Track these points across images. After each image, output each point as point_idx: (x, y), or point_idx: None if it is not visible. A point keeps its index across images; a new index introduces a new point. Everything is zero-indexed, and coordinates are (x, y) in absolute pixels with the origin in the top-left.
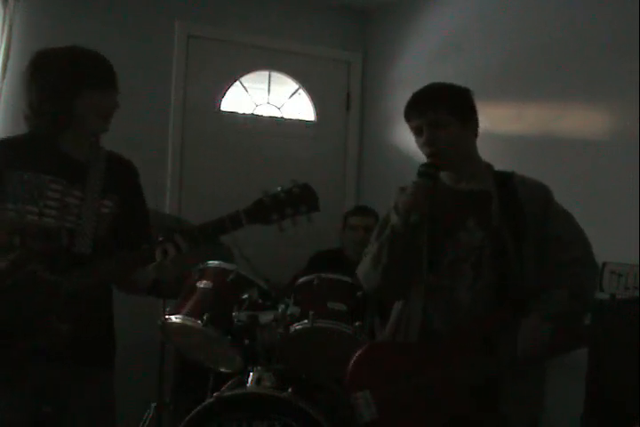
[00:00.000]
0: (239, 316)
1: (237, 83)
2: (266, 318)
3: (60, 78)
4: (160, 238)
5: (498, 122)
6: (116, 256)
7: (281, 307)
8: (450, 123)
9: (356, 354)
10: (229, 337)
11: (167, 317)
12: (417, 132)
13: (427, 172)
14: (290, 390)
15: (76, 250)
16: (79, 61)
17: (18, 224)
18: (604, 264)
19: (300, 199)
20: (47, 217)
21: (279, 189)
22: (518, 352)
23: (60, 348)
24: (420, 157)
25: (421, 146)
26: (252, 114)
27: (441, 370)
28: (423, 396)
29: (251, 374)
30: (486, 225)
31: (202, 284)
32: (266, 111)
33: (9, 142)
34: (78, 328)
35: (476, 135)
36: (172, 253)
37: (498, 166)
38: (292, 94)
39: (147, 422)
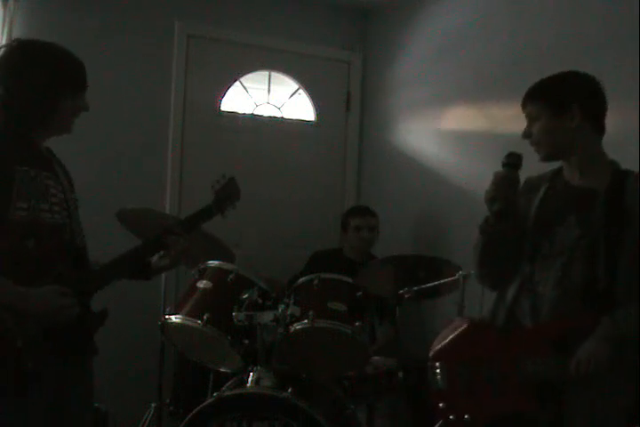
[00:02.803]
0: (239, 316)
1: (237, 83)
2: (266, 318)
3: (50, 78)
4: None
5: (498, 122)
6: (134, 249)
7: (281, 307)
8: (541, 116)
9: (452, 327)
10: (229, 337)
11: (167, 317)
12: (527, 120)
13: (508, 162)
14: (290, 390)
15: (78, 244)
16: (53, 63)
17: (32, 224)
18: None
19: (234, 191)
20: (56, 214)
21: (222, 182)
22: (571, 368)
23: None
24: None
25: (524, 135)
26: (252, 114)
27: (512, 360)
28: (488, 382)
29: (251, 374)
30: (586, 224)
31: (202, 284)
32: (266, 111)
33: None
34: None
35: (597, 131)
36: (183, 242)
37: (498, 166)
38: (292, 94)
39: (147, 422)
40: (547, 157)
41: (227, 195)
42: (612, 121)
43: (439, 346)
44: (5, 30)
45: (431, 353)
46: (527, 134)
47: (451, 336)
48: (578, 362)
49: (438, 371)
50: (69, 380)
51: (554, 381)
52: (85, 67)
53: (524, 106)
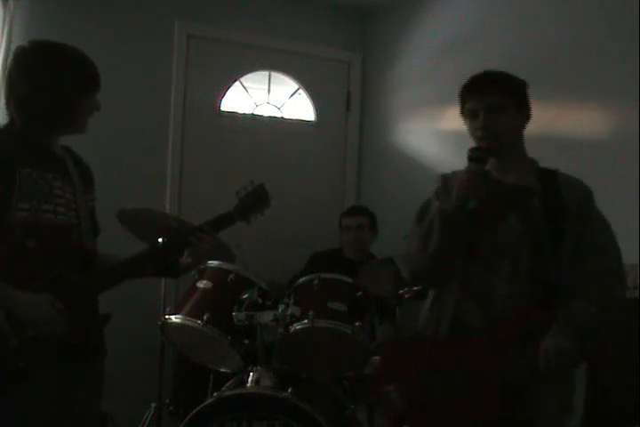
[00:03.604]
0: (239, 316)
1: (237, 83)
2: (266, 318)
3: (43, 79)
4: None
5: None
6: (147, 249)
7: (281, 307)
8: (508, 108)
9: (386, 348)
10: (229, 337)
11: (167, 317)
12: (471, 115)
13: (477, 156)
14: (290, 390)
15: (87, 246)
16: (62, 62)
17: (32, 225)
18: None
19: (262, 198)
20: (60, 215)
21: (250, 190)
22: (540, 366)
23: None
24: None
25: (474, 130)
26: (252, 114)
27: (471, 367)
28: (451, 393)
29: (251, 374)
30: (527, 221)
31: (202, 284)
32: (266, 111)
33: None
34: (85, 321)
35: (524, 127)
36: (210, 240)
37: None
38: (292, 94)
39: (147, 422)
40: (502, 154)
41: (252, 202)
42: (612, 121)
43: (382, 369)
44: (5, 30)
45: (374, 377)
46: (488, 125)
47: (380, 355)
48: (547, 357)
49: (392, 395)
50: (75, 382)
51: (519, 380)
52: (94, 66)
53: (483, 95)
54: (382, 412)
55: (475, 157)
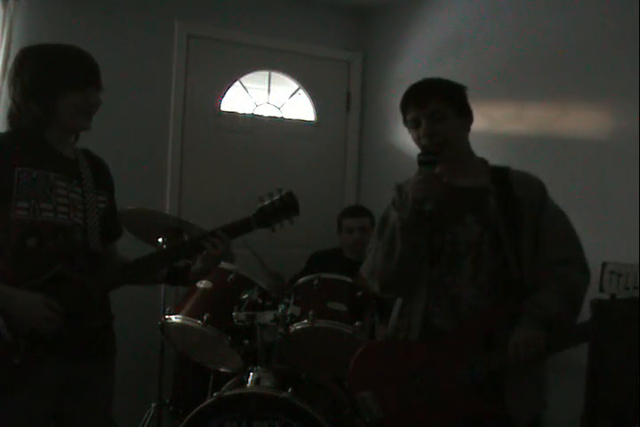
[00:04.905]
0: (239, 316)
1: (237, 83)
2: (266, 318)
3: (43, 77)
4: (204, 233)
5: (498, 122)
6: (157, 252)
7: (281, 307)
8: (448, 115)
9: (357, 354)
10: (229, 337)
11: (167, 317)
12: (414, 124)
13: (428, 160)
14: (290, 390)
15: (91, 247)
16: (61, 60)
17: (32, 224)
18: (604, 264)
19: (288, 205)
20: (61, 214)
21: (275, 197)
22: (509, 358)
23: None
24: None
25: (418, 138)
26: (252, 114)
27: (444, 368)
28: (427, 395)
29: (251, 374)
30: (484, 221)
31: (202, 284)
32: (266, 111)
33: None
34: (93, 321)
35: (469, 130)
36: (222, 246)
37: None
38: (292, 94)
39: (147, 423)
40: (450, 158)
41: (277, 210)
42: (612, 121)
43: (351, 375)
44: (5, 30)
45: (348, 384)
46: (431, 132)
47: (352, 362)
48: (515, 347)
49: (365, 402)
50: (80, 383)
51: (495, 375)
52: (94, 63)
53: (420, 104)
54: (360, 418)
55: (424, 160)
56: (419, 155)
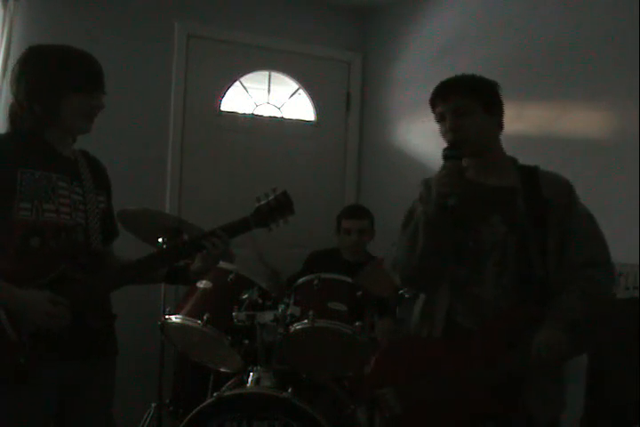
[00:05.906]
0: (239, 316)
1: (237, 83)
2: (266, 318)
3: (49, 78)
4: (203, 233)
5: None
6: (158, 252)
7: (281, 307)
8: (474, 111)
9: (381, 350)
10: (229, 337)
11: (167, 317)
12: (440, 118)
13: (452, 154)
14: (290, 390)
15: (93, 247)
16: (67, 62)
17: (35, 224)
18: None
19: (284, 205)
20: (63, 214)
21: (271, 197)
22: (531, 359)
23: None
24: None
25: (444, 133)
26: (252, 114)
27: (465, 367)
28: (447, 393)
29: (251, 374)
30: (511, 221)
31: (202, 284)
32: (266, 111)
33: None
34: (95, 321)
35: (501, 128)
36: (222, 246)
37: None
38: (292, 94)
39: (147, 423)
40: (474, 154)
41: (273, 209)
42: (612, 121)
43: (373, 371)
44: (5, 30)
45: (369, 380)
46: (455, 127)
47: (375, 358)
48: (538, 350)
49: (389, 398)
50: (81, 382)
51: (516, 376)
52: (98, 66)
53: (446, 99)
54: (379, 414)
55: (449, 155)
56: (443, 149)
